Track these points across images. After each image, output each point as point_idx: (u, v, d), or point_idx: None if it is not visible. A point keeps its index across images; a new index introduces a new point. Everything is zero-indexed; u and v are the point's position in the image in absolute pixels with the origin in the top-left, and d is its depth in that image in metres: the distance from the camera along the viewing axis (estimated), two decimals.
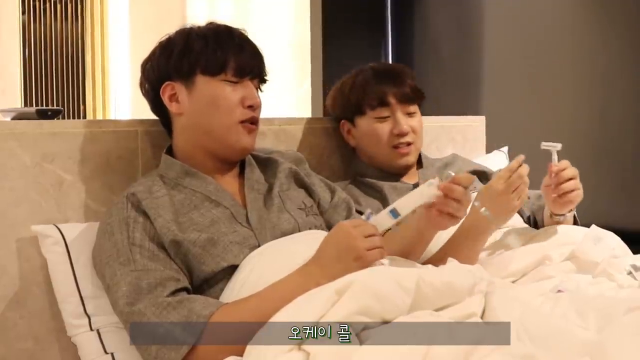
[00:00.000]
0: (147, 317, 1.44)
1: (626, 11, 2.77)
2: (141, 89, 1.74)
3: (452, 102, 3.21)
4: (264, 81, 1.73)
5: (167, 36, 1.71)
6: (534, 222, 2.13)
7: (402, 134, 2.06)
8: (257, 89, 1.71)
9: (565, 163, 1.89)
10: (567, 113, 2.91)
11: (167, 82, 1.66)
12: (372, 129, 2.09)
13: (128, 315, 1.47)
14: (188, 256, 1.54)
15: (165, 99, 1.67)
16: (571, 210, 1.99)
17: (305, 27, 3.76)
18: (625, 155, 2.75)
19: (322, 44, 3.41)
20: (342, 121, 2.16)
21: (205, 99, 1.64)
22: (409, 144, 2.08)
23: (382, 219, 1.49)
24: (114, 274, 1.51)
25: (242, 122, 1.65)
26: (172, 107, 1.67)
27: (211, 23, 1.71)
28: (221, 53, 1.63)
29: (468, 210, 1.65)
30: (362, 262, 1.41)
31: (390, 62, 3.63)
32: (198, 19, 4.61)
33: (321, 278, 1.40)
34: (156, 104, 1.71)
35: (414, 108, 2.10)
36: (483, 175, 2.23)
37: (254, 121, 1.68)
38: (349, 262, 1.41)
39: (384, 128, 2.07)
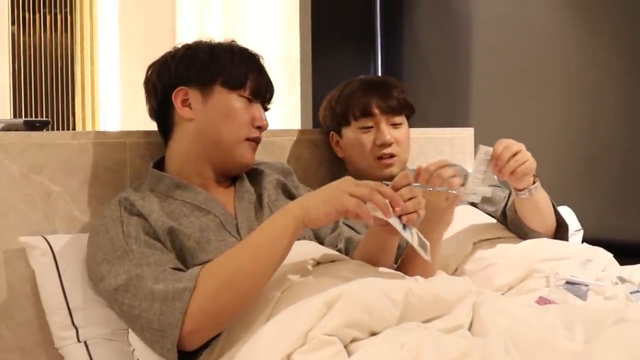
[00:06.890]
0: (145, 278, 1.42)
1: (615, 23, 2.78)
2: (146, 86, 1.74)
3: (441, 114, 3.22)
4: (268, 109, 1.76)
5: (185, 44, 1.74)
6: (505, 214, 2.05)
7: (385, 145, 2.06)
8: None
9: (498, 148, 1.77)
10: (556, 124, 2.92)
11: (180, 87, 1.67)
12: (356, 139, 2.09)
13: (126, 281, 1.43)
14: (183, 249, 1.54)
15: (177, 102, 1.67)
16: (534, 182, 1.87)
17: (294, 41, 3.77)
18: (614, 167, 2.76)
19: (312, 57, 3.42)
20: (331, 133, 2.18)
21: (221, 109, 1.67)
22: (392, 155, 2.07)
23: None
24: (112, 267, 1.47)
25: (248, 139, 1.70)
26: (184, 112, 1.67)
27: (233, 41, 1.75)
28: (244, 70, 1.68)
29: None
30: (335, 203, 1.36)
31: (380, 75, 3.65)
32: (188, 31, 4.63)
33: (295, 207, 1.39)
34: (162, 106, 1.71)
35: (399, 119, 2.10)
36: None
37: (258, 141, 1.73)
38: (326, 195, 1.38)
39: (368, 138, 2.08)
